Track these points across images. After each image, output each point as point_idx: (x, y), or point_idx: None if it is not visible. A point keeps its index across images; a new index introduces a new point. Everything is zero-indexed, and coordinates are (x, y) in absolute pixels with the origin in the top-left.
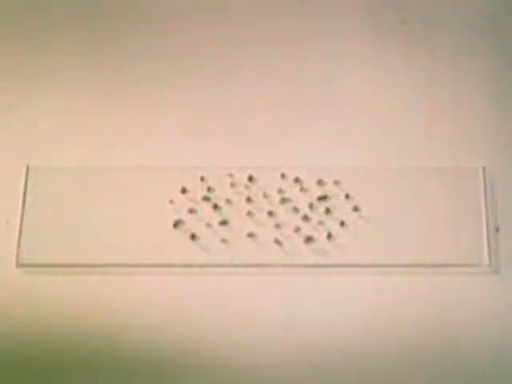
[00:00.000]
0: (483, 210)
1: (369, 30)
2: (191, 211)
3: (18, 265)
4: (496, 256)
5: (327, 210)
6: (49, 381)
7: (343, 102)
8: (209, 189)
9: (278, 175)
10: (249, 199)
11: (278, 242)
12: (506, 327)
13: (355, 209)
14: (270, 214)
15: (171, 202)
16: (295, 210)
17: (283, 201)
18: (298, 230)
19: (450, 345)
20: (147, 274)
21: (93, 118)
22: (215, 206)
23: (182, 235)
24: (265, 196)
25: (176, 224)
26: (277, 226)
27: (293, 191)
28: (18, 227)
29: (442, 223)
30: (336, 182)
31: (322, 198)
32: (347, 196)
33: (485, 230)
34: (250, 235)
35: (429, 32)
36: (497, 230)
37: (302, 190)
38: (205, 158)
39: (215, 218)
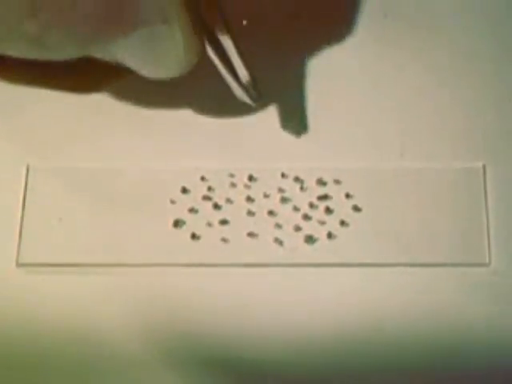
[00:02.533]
0: (483, 208)
1: (368, 29)
2: (191, 211)
3: (18, 264)
4: (496, 255)
5: (327, 210)
6: (48, 381)
7: (343, 101)
8: (209, 188)
9: (278, 175)
10: (249, 198)
11: (278, 241)
12: (505, 327)
13: (355, 208)
14: (271, 213)
15: (172, 201)
16: (295, 209)
17: (283, 200)
18: (298, 229)
19: (449, 344)
20: (147, 274)
21: (93, 118)
22: (215, 206)
23: (182, 235)
24: (265, 195)
25: (176, 223)
26: (277, 225)
27: (293, 190)
28: (18, 227)
29: (441, 222)
30: (336, 182)
31: (323, 198)
32: (347, 195)
33: (485, 229)
34: (251, 234)
35: (428, 33)
36: None
37: (302, 189)
38: (205, 158)
39: (215, 218)
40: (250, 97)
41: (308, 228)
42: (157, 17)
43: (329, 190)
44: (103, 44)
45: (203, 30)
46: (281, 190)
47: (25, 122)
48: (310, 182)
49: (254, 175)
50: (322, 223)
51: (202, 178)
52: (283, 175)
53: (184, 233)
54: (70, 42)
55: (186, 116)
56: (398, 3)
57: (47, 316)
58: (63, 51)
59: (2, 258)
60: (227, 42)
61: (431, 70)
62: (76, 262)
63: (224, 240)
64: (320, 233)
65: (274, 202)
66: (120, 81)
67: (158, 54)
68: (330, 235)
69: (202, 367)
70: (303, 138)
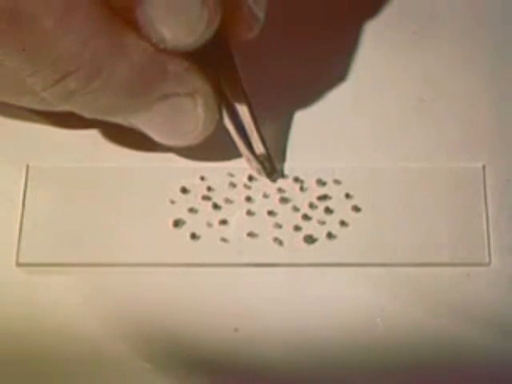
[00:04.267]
0: (483, 208)
1: (368, 30)
2: (191, 210)
3: (18, 264)
4: (496, 255)
5: (327, 210)
6: (48, 381)
7: (342, 100)
8: (209, 188)
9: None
10: (249, 198)
11: (278, 241)
12: (506, 327)
13: (355, 208)
14: (270, 213)
15: (171, 201)
16: (295, 209)
17: (283, 200)
18: (298, 229)
19: (449, 344)
20: (147, 274)
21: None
22: (215, 206)
23: (182, 234)
24: (265, 195)
25: (176, 223)
26: (277, 225)
27: (293, 191)
28: (17, 226)
29: (441, 222)
30: (336, 182)
31: (322, 198)
32: (347, 195)
33: (485, 228)
34: (250, 234)
35: (428, 32)
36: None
37: (301, 189)
38: (205, 158)
39: (215, 218)
40: (265, 171)
41: (308, 228)
42: (181, 89)
43: (328, 190)
44: (124, 115)
45: (221, 100)
46: (280, 190)
47: (25, 122)
48: (310, 182)
49: (254, 175)
50: (322, 223)
51: (202, 178)
52: (283, 175)
53: (184, 233)
54: (89, 111)
55: None
56: (396, 5)
57: (47, 315)
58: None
59: (1, 258)
60: (245, 114)
61: (431, 71)
62: (76, 262)
63: (224, 240)
64: (320, 233)
65: (273, 202)
66: None
67: (177, 125)
68: (329, 235)
69: (201, 367)
70: (303, 137)
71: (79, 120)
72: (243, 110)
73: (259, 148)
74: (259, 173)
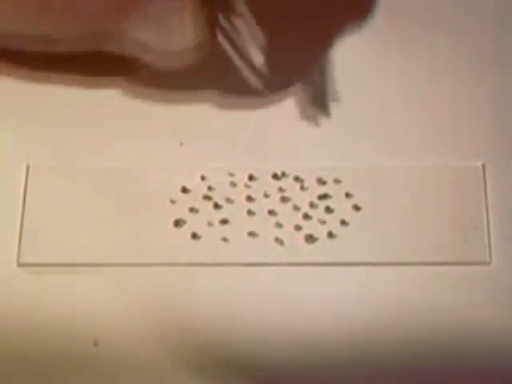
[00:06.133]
0: (483, 207)
1: (369, 28)
2: (192, 210)
3: (19, 264)
4: (496, 254)
5: (327, 209)
6: (48, 380)
7: (342, 100)
8: (209, 188)
9: (279, 174)
10: (249, 198)
11: (278, 240)
12: (506, 325)
13: (355, 207)
14: (271, 212)
15: (172, 201)
16: (296, 208)
17: (283, 200)
18: (298, 228)
19: (449, 342)
20: (148, 274)
21: (93, 118)
22: (216, 205)
23: (182, 234)
24: (265, 195)
25: (177, 223)
26: (277, 224)
27: (293, 190)
28: (18, 227)
29: (441, 221)
30: (336, 181)
31: (323, 197)
32: (347, 195)
33: (485, 227)
34: (251, 234)
35: (428, 28)
36: None
37: (302, 188)
38: (205, 158)
39: (216, 217)
40: (262, 81)
41: (308, 227)
42: (168, 6)
43: (329, 189)
44: (115, 22)
45: (215, 17)
46: (281, 190)
47: (25, 122)
48: (310, 182)
49: (254, 175)
50: (323, 222)
51: (202, 178)
52: (283, 174)
53: (184, 232)
54: (83, 20)
55: (185, 116)
56: (400, 2)
57: (48, 315)
58: (74, 39)
59: (3, 258)
60: (244, 24)
61: (431, 71)
62: (77, 262)
63: (224, 239)
64: (320, 232)
65: (274, 202)
66: (124, 76)
67: (166, 42)
68: (330, 234)
69: (201, 366)
70: (303, 137)
71: (77, 65)
72: (242, 22)
73: (258, 58)
74: (257, 85)
